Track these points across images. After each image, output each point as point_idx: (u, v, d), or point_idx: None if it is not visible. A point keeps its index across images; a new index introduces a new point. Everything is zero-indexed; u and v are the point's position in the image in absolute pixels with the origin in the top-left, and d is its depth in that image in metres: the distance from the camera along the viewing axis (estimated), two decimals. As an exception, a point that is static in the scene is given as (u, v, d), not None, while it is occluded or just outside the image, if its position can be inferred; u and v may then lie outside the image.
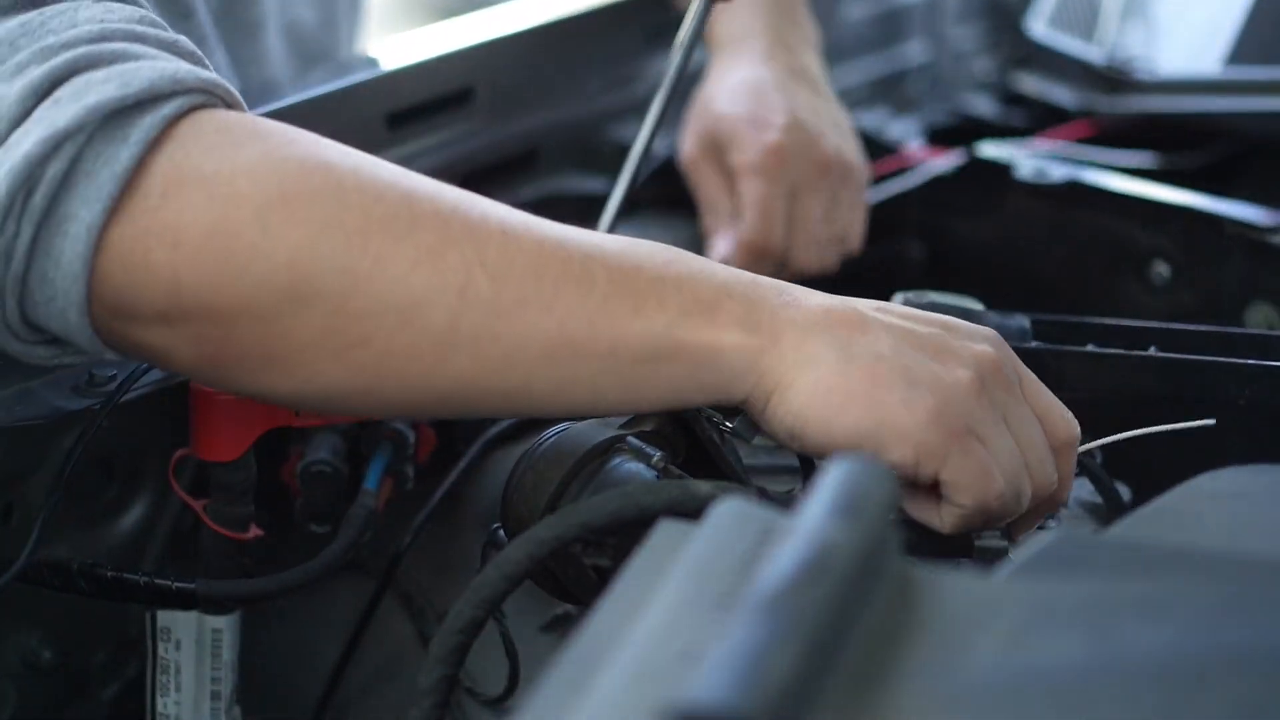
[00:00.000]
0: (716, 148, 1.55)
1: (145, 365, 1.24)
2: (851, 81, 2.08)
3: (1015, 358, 1.08)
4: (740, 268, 1.09)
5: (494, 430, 1.38)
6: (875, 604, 0.83)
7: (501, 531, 1.19)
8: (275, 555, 1.32)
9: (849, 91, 2.06)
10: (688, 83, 1.38)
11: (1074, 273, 1.62)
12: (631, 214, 1.65)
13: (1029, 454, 1.05)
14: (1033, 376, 1.09)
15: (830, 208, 1.52)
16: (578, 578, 1.10)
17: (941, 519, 1.06)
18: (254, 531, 1.28)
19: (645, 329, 1.03)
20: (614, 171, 1.67)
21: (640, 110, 1.73)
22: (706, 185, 1.57)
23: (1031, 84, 1.98)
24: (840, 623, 0.79)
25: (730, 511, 0.93)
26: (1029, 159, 1.63)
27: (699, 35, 1.35)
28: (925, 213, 1.69)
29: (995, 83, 2.12)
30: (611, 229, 1.32)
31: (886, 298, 1.40)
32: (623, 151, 1.66)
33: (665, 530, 0.97)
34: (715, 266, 1.07)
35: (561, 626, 1.29)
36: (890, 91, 2.10)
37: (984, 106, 2.02)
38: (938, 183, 1.67)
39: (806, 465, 1.20)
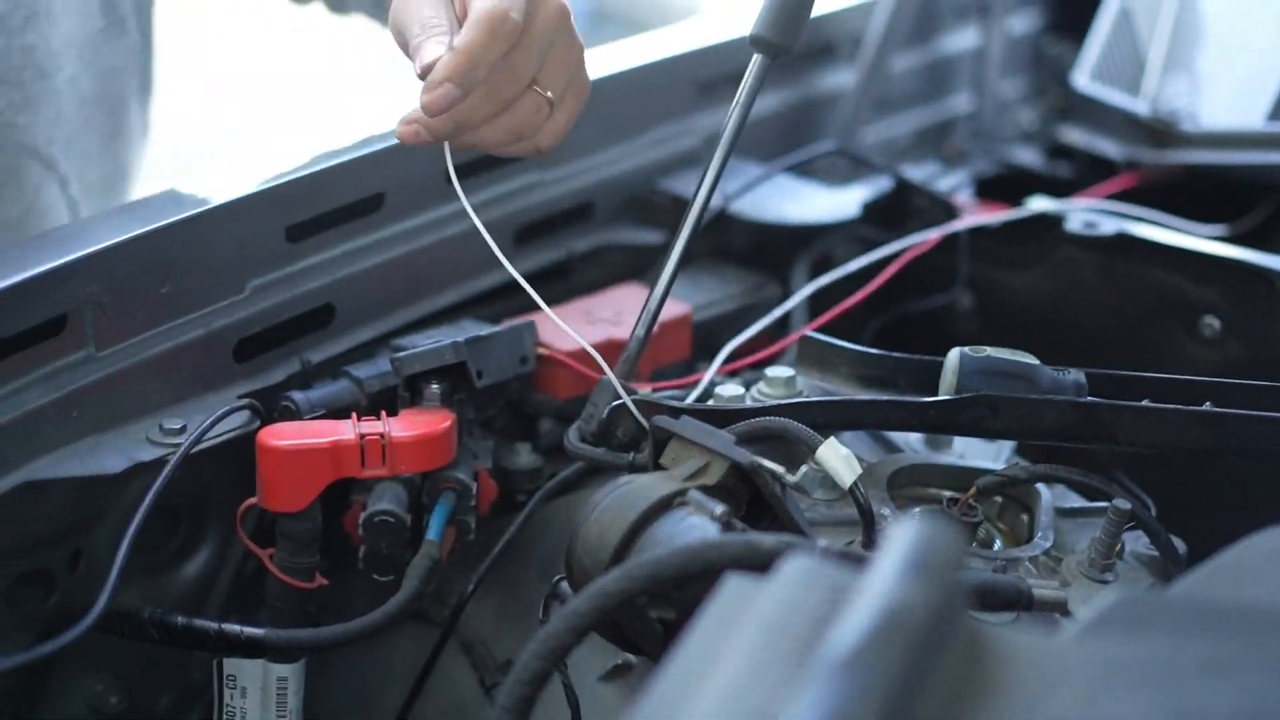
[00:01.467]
0: None
1: (216, 416, 1.26)
2: (898, 132, 2.11)
3: None
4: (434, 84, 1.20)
5: (553, 481, 1.39)
6: (947, 663, 0.84)
7: (565, 583, 1.21)
8: (337, 603, 1.34)
9: (895, 141, 2.08)
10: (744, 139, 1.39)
11: (1123, 325, 1.63)
12: (684, 266, 1.67)
13: None
14: None
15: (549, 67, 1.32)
16: (643, 630, 1.11)
17: None
18: (318, 580, 1.30)
19: None
20: (666, 223, 1.70)
21: (691, 163, 1.77)
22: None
23: (1077, 136, 1.99)
24: (914, 682, 0.80)
25: (799, 568, 0.94)
26: (1079, 212, 1.65)
27: (756, 93, 1.37)
28: (975, 264, 1.70)
29: (1040, 133, 2.14)
30: (671, 280, 1.34)
31: (935, 349, 1.42)
32: (675, 203, 1.69)
33: (733, 585, 0.98)
34: None
35: (621, 676, 1.30)
36: (936, 142, 2.12)
37: (1030, 158, 2.03)
38: (987, 235, 1.68)
39: (866, 518, 1.21)
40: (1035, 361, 1.33)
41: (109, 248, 1.24)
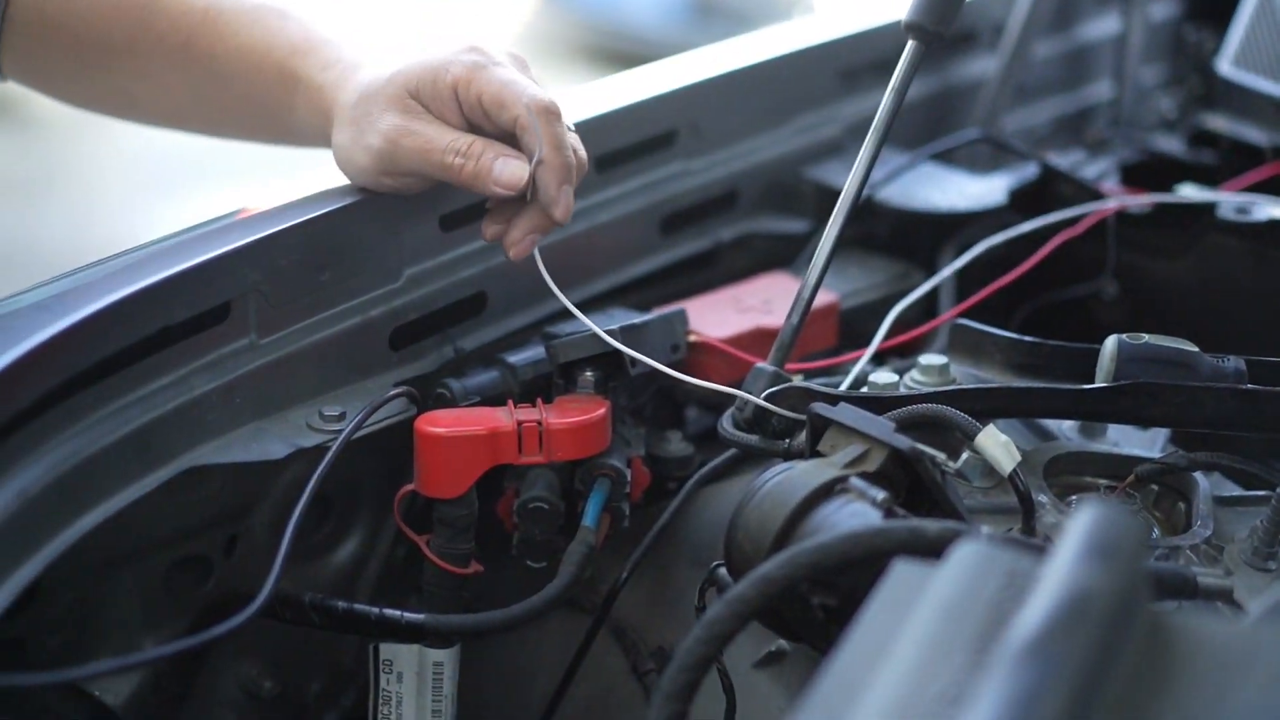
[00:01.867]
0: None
1: (375, 404, 1.27)
2: (1039, 119, 2.09)
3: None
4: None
5: (707, 468, 1.39)
6: (1131, 649, 0.83)
7: (722, 570, 1.21)
8: (489, 589, 1.35)
9: (1035, 129, 2.07)
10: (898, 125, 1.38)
11: (1275, 312, 1.61)
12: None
13: None
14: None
15: None
16: (804, 616, 1.11)
17: None
18: (474, 567, 1.31)
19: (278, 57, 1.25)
20: (811, 211, 1.70)
21: (835, 151, 1.76)
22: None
23: (1221, 123, 1.96)
24: (1100, 668, 0.80)
25: (972, 553, 0.94)
26: (1230, 198, 1.62)
27: (910, 80, 1.36)
28: (1122, 252, 1.68)
29: (1181, 121, 2.11)
30: (824, 271, 1.34)
31: (1081, 337, 1.41)
32: (819, 192, 1.69)
33: (902, 572, 0.98)
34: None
35: (775, 663, 1.30)
36: (1076, 129, 2.10)
37: (1172, 145, 2.00)
38: (1134, 222, 1.66)
39: (1026, 505, 1.20)
40: (1195, 349, 1.32)
41: (271, 235, 1.26)
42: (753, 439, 1.32)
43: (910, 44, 1.37)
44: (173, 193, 5.50)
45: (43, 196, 5.68)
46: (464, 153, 1.24)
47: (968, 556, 0.94)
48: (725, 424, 1.34)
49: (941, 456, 1.16)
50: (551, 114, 1.22)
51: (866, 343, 1.58)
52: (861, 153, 1.36)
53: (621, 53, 7.63)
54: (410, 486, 1.29)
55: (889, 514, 1.13)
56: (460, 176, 1.24)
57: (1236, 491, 1.32)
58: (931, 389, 1.32)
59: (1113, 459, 1.33)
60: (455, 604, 1.31)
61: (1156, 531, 1.29)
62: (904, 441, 1.17)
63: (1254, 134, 1.92)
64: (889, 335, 1.46)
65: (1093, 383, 1.35)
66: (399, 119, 1.24)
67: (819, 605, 1.11)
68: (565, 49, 7.86)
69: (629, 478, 1.33)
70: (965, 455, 1.18)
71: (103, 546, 1.16)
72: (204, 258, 1.21)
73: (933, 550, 1.05)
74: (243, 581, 1.33)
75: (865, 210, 1.66)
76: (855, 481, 1.15)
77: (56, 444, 1.11)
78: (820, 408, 1.22)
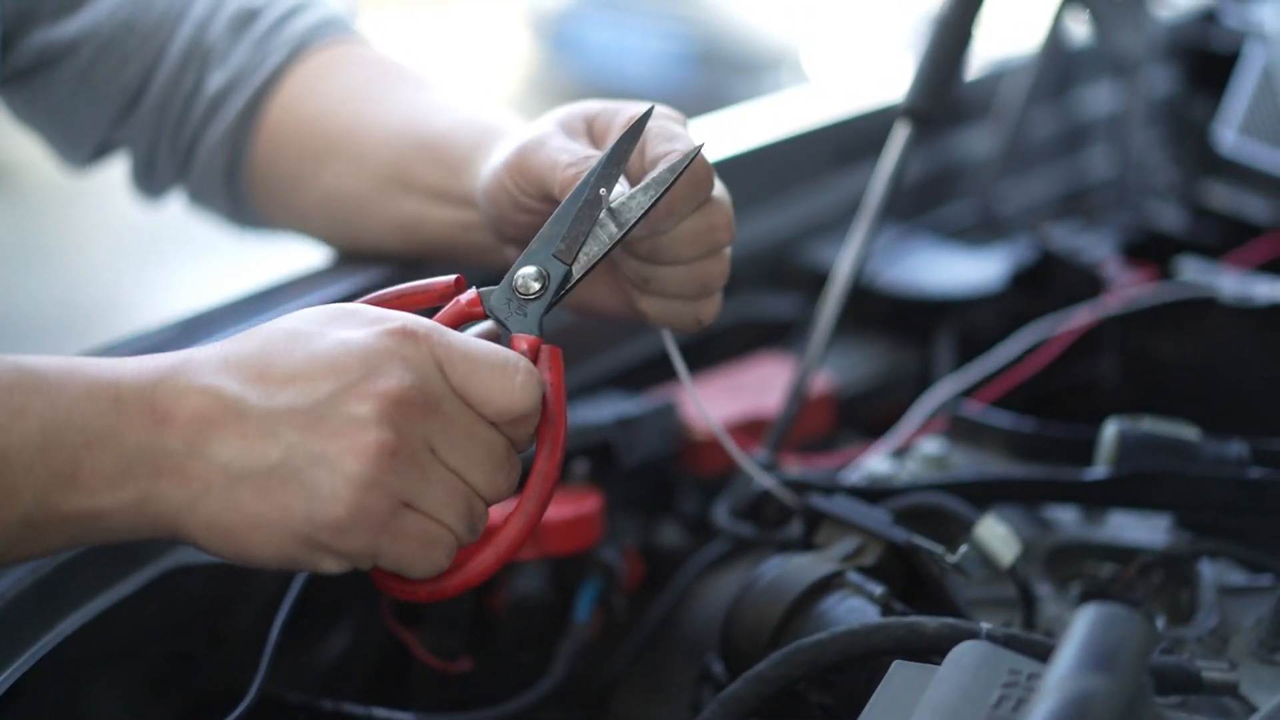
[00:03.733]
0: None
1: None
2: (1037, 192, 2.08)
3: (427, 348, 0.93)
4: None
5: (701, 559, 1.37)
6: (1134, 756, 0.81)
7: (718, 664, 1.19)
8: (481, 684, 1.32)
9: (1034, 203, 2.05)
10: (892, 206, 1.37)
11: (1278, 394, 1.59)
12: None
13: (471, 475, 0.94)
14: (461, 353, 0.94)
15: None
16: (801, 715, 1.09)
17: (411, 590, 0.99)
18: (465, 663, 1.28)
19: (18, 513, 0.89)
20: (805, 291, 1.68)
21: (828, 229, 1.75)
22: None
23: (1222, 197, 1.95)
24: (1102, 778, 0.77)
25: (972, 654, 0.92)
26: (1231, 279, 1.60)
27: (904, 164, 1.35)
28: (1123, 333, 1.65)
29: (1181, 193, 2.09)
30: (818, 358, 1.32)
31: (1082, 417, 1.39)
32: (813, 273, 1.67)
33: (901, 672, 0.96)
34: (68, 402, 0.90)
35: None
36: (1074, 202, 2.09)
37: (1172, 218, 1.99)
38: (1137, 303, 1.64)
39: (1026, 599, 1.18)
40: (1195, 433, 1.30)
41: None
42: (747, 529, 1.30)
43: (902, 127, 1.36)
44: (163, 262, 5.51)
45: (35, 264, 5.69)
46: (579, 157, 1.07)
47: (967, 657, 0.92)
48: (719, 514, 1.32)
49: (939, 550, 1.14)
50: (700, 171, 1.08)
51: (863, 426, 1.56)
52: (856, 236, 1.34)
53: (622, 104, 7.71)
54: (399, 583, 1.26)
55: (887, 609, 1.11)
56: (562, 175, 1.07)
57: (1242, 579, 1.30)
58: (929, 479, 1.30)
59: (1115, 548, 1.31)
60: (446, 701, 1.29)
61: (1161, 621, 1.27)
62: (900, 535, 1.15)
63: (1254, 205, 1.91)
64: (884, 424, 1.44)
65: (1093, 467, 1.34)
66: (552, 127, 1.13)
67: (817, 704, 1.09)
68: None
69: (622, 570, 1.31)
70: (964, 548, 1.16)
71: (86, 646, 1.14)
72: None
73: (932, 648, 1.03)
74: (229, 677, 1.30)
75: (861, 292, 1.64)
76: (852, 576, 1.13)
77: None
78: (815, 499, 1.20)
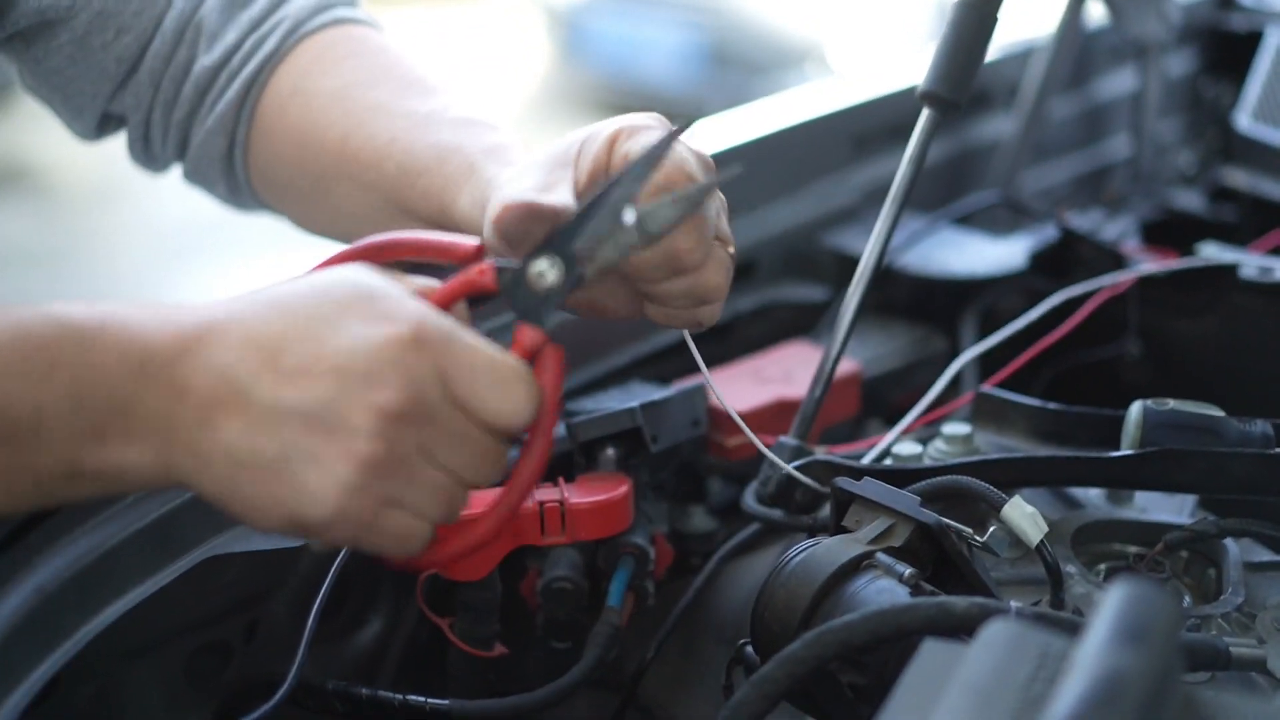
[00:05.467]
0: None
1: None
2: (1056, 178, 2.08)
3: (430, 361, 0.96)
4: None
5: (730, 544, 1.38)
6: (1166, 730, 0.82)
7: (750, 648, 1.19)
8: (514, 670, 1.33)
9: (1054, 187, 2.06)
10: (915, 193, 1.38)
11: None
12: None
13: (460, 472, 0.98)
14: (466, 364, 0.97)
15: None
16: (833, 695, 1.10)
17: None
18: (499, 649, 1.29)
19: (56, 463, 0.94)
20: (829, 278, 1.69)
21: (850, 217, 1.75)
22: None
23: (1241, 179, 1.95)
24: (1135, 752, 0.78)
25: (1002, 633, 0.93)
26: (1253, 258, 1.61)
27: (926, 148, 1.35)
28: (1145, 312, 1.66)
29: (1200, 176, 2.10)
30: (845, 342, 1.33)
31: (1106, 399, 1.39)
32: (838, 259, 1.68)
33: (931, 651, 0.96)
34: (99, 364, 0.93)
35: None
36: (1094, 187, 2.10)
37: (1192, 201, 1.99)
38: (1158, 283, 1.65)
39: (1054, 577, 1.19)
40: (1220, 413, 1.31)
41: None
42: (776, 513, 1.31)
43: (926, 112, 1.36)
44: (189, 261, 5.53)
45: (62, 265, 5.71)
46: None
47: (997, 636, 0.92)
48: (748, 498, 1.33)
49: (967, 531, 1.15)
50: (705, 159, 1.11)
51: (888, 410, 1.57)
52: (879, 221, 1.35)
53: (639, 105, 7.65)
54: (432, 570, 1.27)
55: (916, 590, 1.12)
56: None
57: (1267, 556, 1.31)
58: (956, 460, 1.31)
59: (1141, 526, 1.32)
60: (481, 687, 1.30)
61: (1187, 599, 1.28)
62: (929, 516, 1.16)
63: (1273, 188, 1.91)
64: (911, 408, 1.45)
65: (1118, 448, 1.34)
66: (547, 159, 1.15)
67: (848, 684, 1.10)
68: (582, 102, 7.89)
69: (652, 556, 1.32)
70: (992, 528, 1.17)
71: (123, 637, 1.16)
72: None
73: (961, 627, 1.04)
74: (265, 666, 1.31)
75: (884, 277, 1.65)
76: (881, 557, 1.14)
77: (75, 538, 1.10)
78: (844, 482, 1.21)
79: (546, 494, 1.27)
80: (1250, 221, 1.90)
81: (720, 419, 1.42)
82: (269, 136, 1.39)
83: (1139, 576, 1.29)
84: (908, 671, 0.95)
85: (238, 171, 1.43)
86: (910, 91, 1.39)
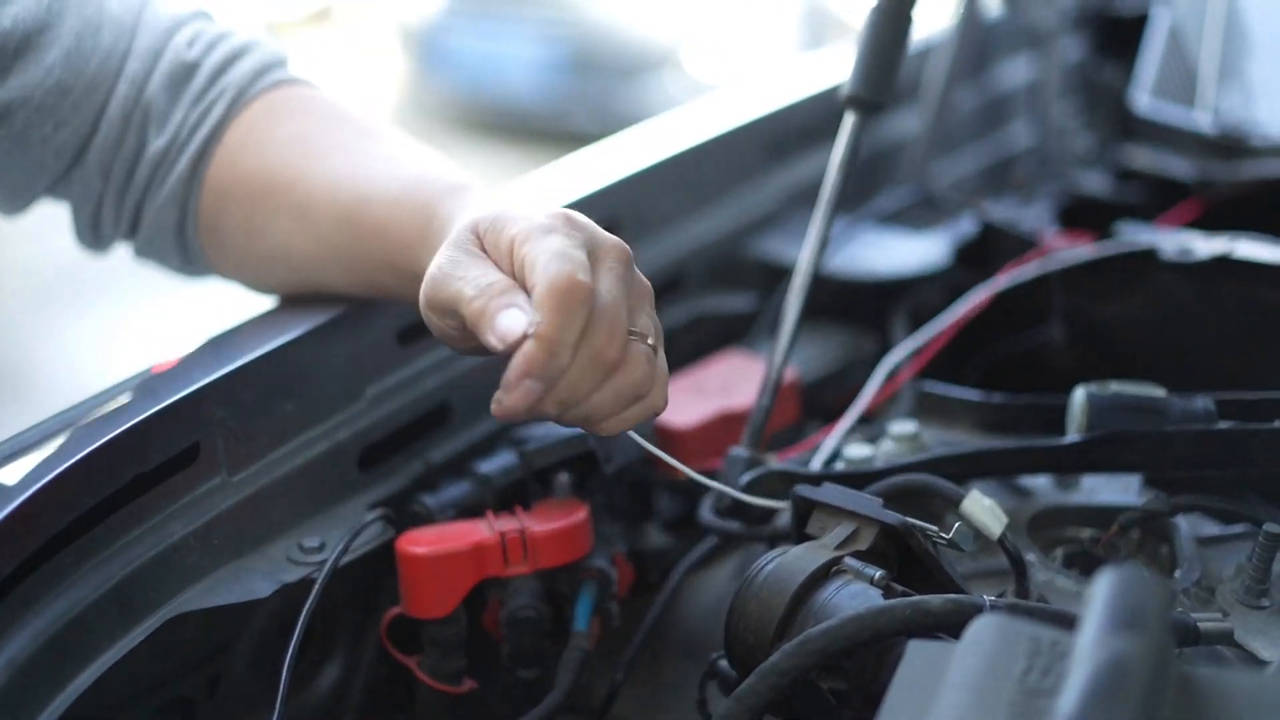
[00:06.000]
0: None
1: (354, 532, 1.26)
2: (965, 169, 2.10)
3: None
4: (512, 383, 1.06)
5: (690, 558, 1.38)
6: (1165, 710, 0.83)
7: (723, 661, 1.20)
8: (484, 704, 1.33)
9: (964, 180, 2.08)
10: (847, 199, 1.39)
11: (1230, 348, 1.61)
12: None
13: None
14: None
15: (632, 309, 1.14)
16: (813, 702, 1.10)
17: None
18: (468, 684, 1.29)
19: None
20: (756, 286, 1.70)
21: (769, 223, 1.76)
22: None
23: (1143, 157, 1.98)
24: (1145, 736, 0.79)
25: (990, 628, 0.93)
26: (1170, 238, 1.63)
27: (856, 151, 1.36)
28: (1068, 298, 1.68)
29: (1102, 157, 2.12)
30: (788, 351, 1.34)
31: (1034, 386, 1.40)
32: (764, 267, 1.69)
33: (918, 652, 0.97)
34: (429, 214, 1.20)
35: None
36: (1000, 176, 2.12)
37: (1097, 183, 2.02)
38: (1079, 268, 1.66)
39: (1019, 567, 1.20)
40: (1161, 392, 1.33)
41: (235, 371, 1.24)
42: (735, 525, 1.31)
43: (850, 116, 1.37)
44: (66, 308, 5.43)
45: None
46: (481, 287, 1.08)
47: (985, 631, 0.93)
48: (705, 512, 1.33)
49: (933, 529, 1.16)
50: (562, 295, 1.05)
51: (827, 414, 1.58)
52: (812, 227, 1.36)
53: (499, 119, 7.64)
54: (396, 610, 1.27)
55: (887, 591, 1.12)
56: (468, 309, 1.08)
57: (1217, 530, 1.33)
58: (909, 459, 1.32)
59: (1092, 510, 1.33)
60: (451, 723, 1.30)
61: (1145, 578, 1.29)
62: (893, 517, 1.16)
63: (1176, 164, 1.94)
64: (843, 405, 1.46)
65: (1062, 434, 1.36)
66: (455, 251, 1.12)
67: (828, 690, 1.10)
68: (441, 119, 7.84)
69: (614, 577, 1.32)
70: (958, 524, 1.17)
71: (92, 705, 1.13)
72: (171, 399, 1.18)
73: (938, 625, 1.05)
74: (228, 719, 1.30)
75: (812, 281, 1.66)
76: (850, 562, 1.14)
77: (41, 608, 1.08)
78: (805, 489, 1.21)
79: (506, 524, 1.27)
80: (1156, 199, 1.93)
81: (668, 435, 1.43)
82: (220, 196, 1.37)
83: (1094, 560, 1.31)
84: (898, 674, 0.96)
85: (190, 241, 1.41)
86: (820, 96, 1.40)
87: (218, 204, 1.38)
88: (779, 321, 1.36)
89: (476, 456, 1.38)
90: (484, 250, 1.12)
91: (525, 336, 1.04)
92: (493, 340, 1.06)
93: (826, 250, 1.69)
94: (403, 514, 1.32)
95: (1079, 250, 1.63)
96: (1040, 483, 1.39)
